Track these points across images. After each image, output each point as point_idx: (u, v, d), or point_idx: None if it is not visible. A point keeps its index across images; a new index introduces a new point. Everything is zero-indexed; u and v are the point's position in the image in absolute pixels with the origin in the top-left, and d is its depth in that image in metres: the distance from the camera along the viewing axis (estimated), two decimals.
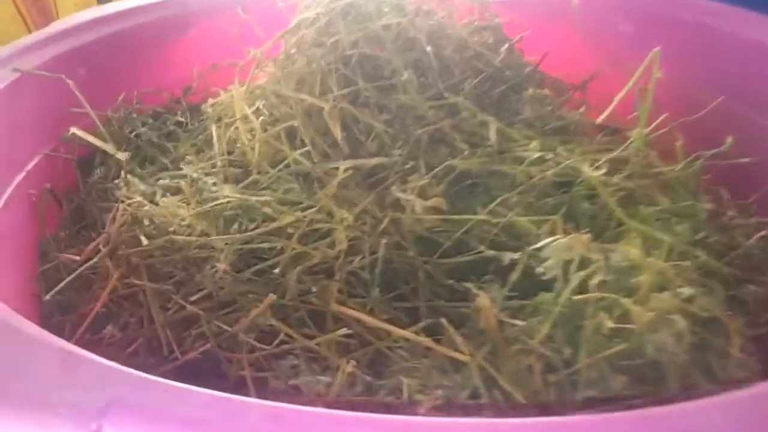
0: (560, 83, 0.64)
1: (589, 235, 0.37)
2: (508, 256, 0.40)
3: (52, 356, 0.27)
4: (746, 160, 0.49)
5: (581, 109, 0.60)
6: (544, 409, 0.35)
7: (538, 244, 0.37)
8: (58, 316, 0.49)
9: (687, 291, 0.36)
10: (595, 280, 0.36)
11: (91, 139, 0.53)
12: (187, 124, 0.63)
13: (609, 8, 0.69)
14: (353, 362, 0.36)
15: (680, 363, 0.34)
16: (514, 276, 0.39)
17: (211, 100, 0.60)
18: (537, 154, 0.48)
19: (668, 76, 0.63)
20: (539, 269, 0.36)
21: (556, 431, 0.25)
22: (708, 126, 0.54)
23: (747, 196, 0.53)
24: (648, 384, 0.35)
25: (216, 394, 0.25)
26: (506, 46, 0.63)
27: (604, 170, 0.44)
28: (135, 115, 0.63)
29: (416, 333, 0.38)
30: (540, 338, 0.36)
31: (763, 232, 0.47)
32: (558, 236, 0.36)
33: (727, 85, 0.60)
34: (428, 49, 0.56)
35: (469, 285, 0.40)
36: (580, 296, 0.36)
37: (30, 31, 1.07)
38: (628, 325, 0.35)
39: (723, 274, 0.42)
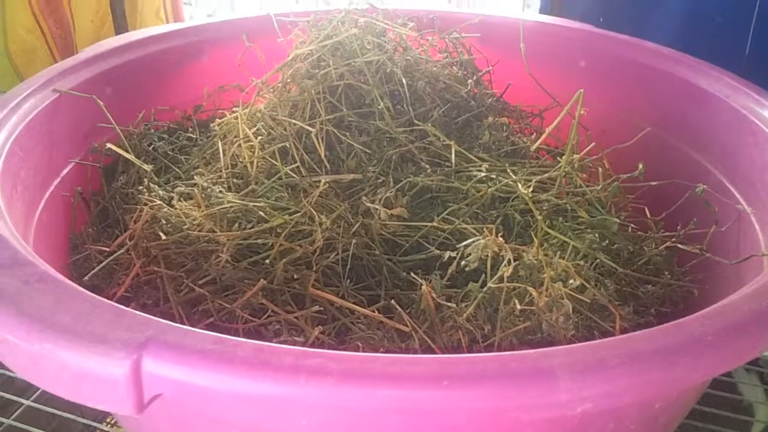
0: (520, 112, 0.79)
1: (502, 238, 0.51)
2: (447, 254, 0.54)
3: (107, 309, 0.41)
4: (655, 183, 0.63)
5: (533, 136, 0.74)
6: None
7: (463, 243, 0.51)
8: None
9: (576, 282, 0.49)
10: (508, 273, 0.50)
11: (120, 151, 0.67)
12: (197, 139, 0.78)
13: (570, 48, 0.84)
14: (320, 328, 0.50)
15: (568, 337, 0.48)
16: (450, 269, 0.53)
17: (218, 120, 0.74)
18: (484, 174, 0.63)
19: (614, 107, 0.78)
20: (463, 263, 0.50)
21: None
22: (642, 152, 0.68)
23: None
24: None
25: (220, 335, 0.39)
26: (473, 78, 0.77)
27: (531, 189, 0.58)
28: (152, 131, 0.78)
29: (373, 312, 0.52)
30: (466, 317, 0.50)
31: (666, 243, 0.61)
32: (479, 238, 0.50)
33: (662, 118, 0.74)
34: (403, 81, 0.71)
35: (416, 277, 0.54)
36: (498, 285, 0.50)
37: (47, 42, 1.21)
38: (531, 308, 0.49)
39: (619, 274, 0.55)
